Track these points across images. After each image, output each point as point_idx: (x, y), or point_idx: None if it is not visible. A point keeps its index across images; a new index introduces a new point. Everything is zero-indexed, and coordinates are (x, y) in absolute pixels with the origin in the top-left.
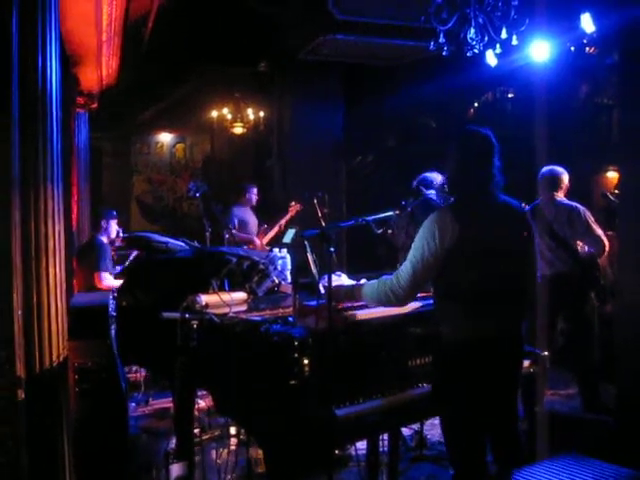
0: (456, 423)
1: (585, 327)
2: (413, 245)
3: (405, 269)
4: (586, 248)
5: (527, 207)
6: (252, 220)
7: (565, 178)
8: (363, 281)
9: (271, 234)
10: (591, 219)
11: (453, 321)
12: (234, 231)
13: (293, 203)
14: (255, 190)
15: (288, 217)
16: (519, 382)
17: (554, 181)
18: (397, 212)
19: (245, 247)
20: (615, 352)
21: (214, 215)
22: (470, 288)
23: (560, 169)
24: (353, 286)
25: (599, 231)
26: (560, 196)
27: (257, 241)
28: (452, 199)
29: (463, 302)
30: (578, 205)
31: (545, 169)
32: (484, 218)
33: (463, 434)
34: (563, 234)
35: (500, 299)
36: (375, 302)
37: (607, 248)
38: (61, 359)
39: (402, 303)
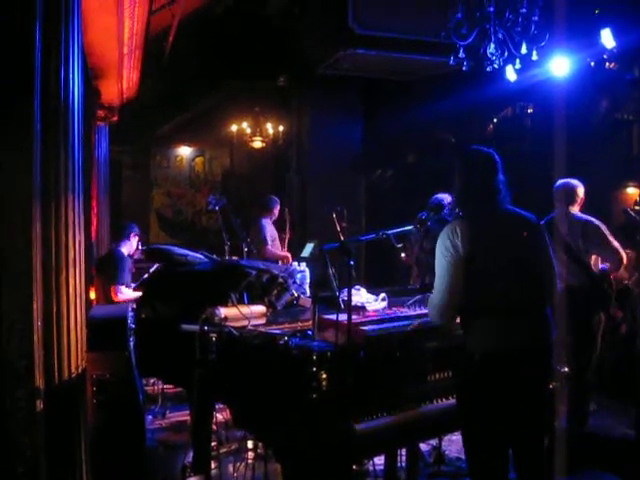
0: (478, 436)
1: (587, 342)
2: (435, 264)
3: (435, 289)
4: (600, 265)
5: (542, 221)
6: (276, 234)
7: (580, 191)
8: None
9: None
10: (607, 232)
11: (476, 333)
12: (269, 247)
13: (286, 210)
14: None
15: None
16: (545, 396)
17: (569, 194)
18: (418, 226)
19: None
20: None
21: (233, 229)
22: (490, 299)
23: (575, 182)
24: None
25: (616, 243)
26: (575, 210)
27: (289, 255)
28: (460, 215)
29: (485, 314)
30: (593, 219)
31: (560, 182)
32: (494, 229)
33: (485, 447)
34: (576, 248)
35: (522, 310)
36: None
37: (625, 261)
38: (80, 370)
39: (439, 320)
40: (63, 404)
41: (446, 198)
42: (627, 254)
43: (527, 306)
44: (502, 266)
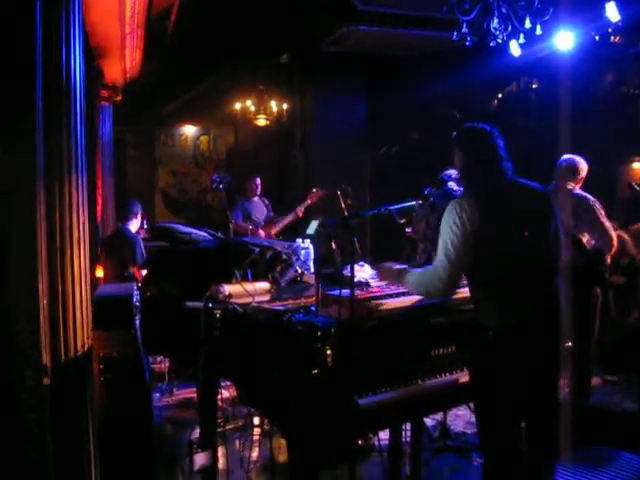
0: (492, 410)
1: (586, 317)
2: (439, 238)
3: (439, 261)
4: (592, 242)
5: None
6: (258, 210)
7: (583, 169)
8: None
9: (286, 221)
10: (601, 212)
11: (489, 308)
12: (232, 222)
13: (314, 190)
14: (258, 180)
15: (306, 204)
16: (558, 368)
17: (571, 170)
18: (420, 202)
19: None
20: None
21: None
22: (502, 272)
23: (579, 159)
24: (404, 269)
25: (607, 224)
26: (573, 186)
27: (261, 232)
28: (466, 190)
29: (497, 287)
30: (589, 196)
31: (564, 157)
32: (501, 201)
33: (499, 421)
34: (567, 224)
35: (534, 282)
36: (417, 293)
37: (614, 242)
38: (86, 349)
39: (443, 295)
40: (70, 382)
41: (454, 173)
42: (618, 236)
43: (539, 277)
44: (512, 239)
